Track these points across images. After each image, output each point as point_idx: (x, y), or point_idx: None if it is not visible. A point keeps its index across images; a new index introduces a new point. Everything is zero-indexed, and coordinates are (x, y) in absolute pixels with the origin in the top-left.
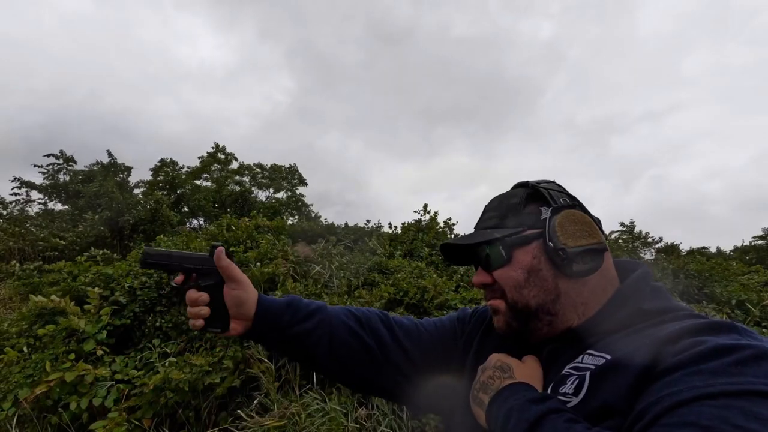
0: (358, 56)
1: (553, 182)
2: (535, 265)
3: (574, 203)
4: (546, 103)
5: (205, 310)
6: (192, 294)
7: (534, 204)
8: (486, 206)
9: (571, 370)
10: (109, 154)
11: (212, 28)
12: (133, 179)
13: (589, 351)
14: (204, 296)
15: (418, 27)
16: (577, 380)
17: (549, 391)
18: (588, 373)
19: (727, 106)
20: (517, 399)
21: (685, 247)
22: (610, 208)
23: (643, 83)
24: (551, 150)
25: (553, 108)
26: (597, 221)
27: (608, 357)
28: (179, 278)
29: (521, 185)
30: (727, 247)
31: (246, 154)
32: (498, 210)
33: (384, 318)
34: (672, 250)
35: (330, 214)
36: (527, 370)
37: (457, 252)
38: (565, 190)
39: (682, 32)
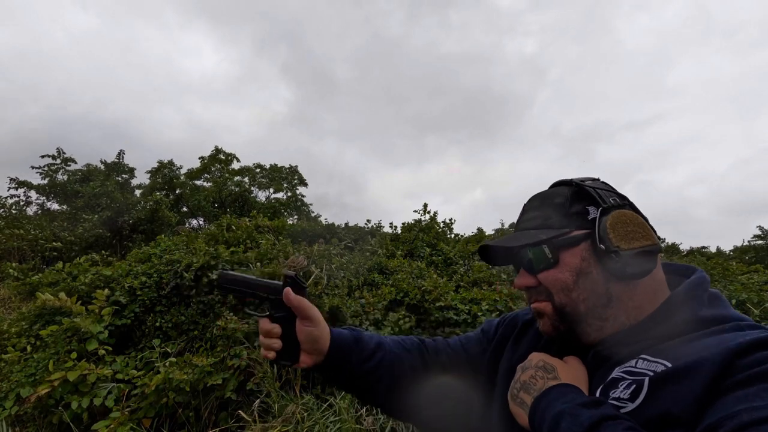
0: (353, 69)
1: (599, 180)
2: (584, 267)
3: (624, 203)
4: (534, 114)
5: (278, 344)
6: (265, 325)
7: (580, 203)
8: (525, 206)
9: (623, 374)
10: (120, 154)
11: (213, 41)
12: (135, 182)
13: (642, 356)
14: (277, 328)
15: (407, 44)
16: (634, 385)
17: (598, 395)
18: (647, 379)
19: (711, 115)
20: (566, 402)
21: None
22: None
23: (628, 95)
24: (541, 158)
25: (541, 119)
26: (647, 220)
27: (668, 364)
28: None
29: (564, 183)
30: (726, 247)
31: (245, 160)
32: (540, 210)
33: (423, 345)
34: (672, 250)
35: (328, 215)
36: (572, 371)
37: (496, 252)
38: (613, 189)
39: (667, 45)
